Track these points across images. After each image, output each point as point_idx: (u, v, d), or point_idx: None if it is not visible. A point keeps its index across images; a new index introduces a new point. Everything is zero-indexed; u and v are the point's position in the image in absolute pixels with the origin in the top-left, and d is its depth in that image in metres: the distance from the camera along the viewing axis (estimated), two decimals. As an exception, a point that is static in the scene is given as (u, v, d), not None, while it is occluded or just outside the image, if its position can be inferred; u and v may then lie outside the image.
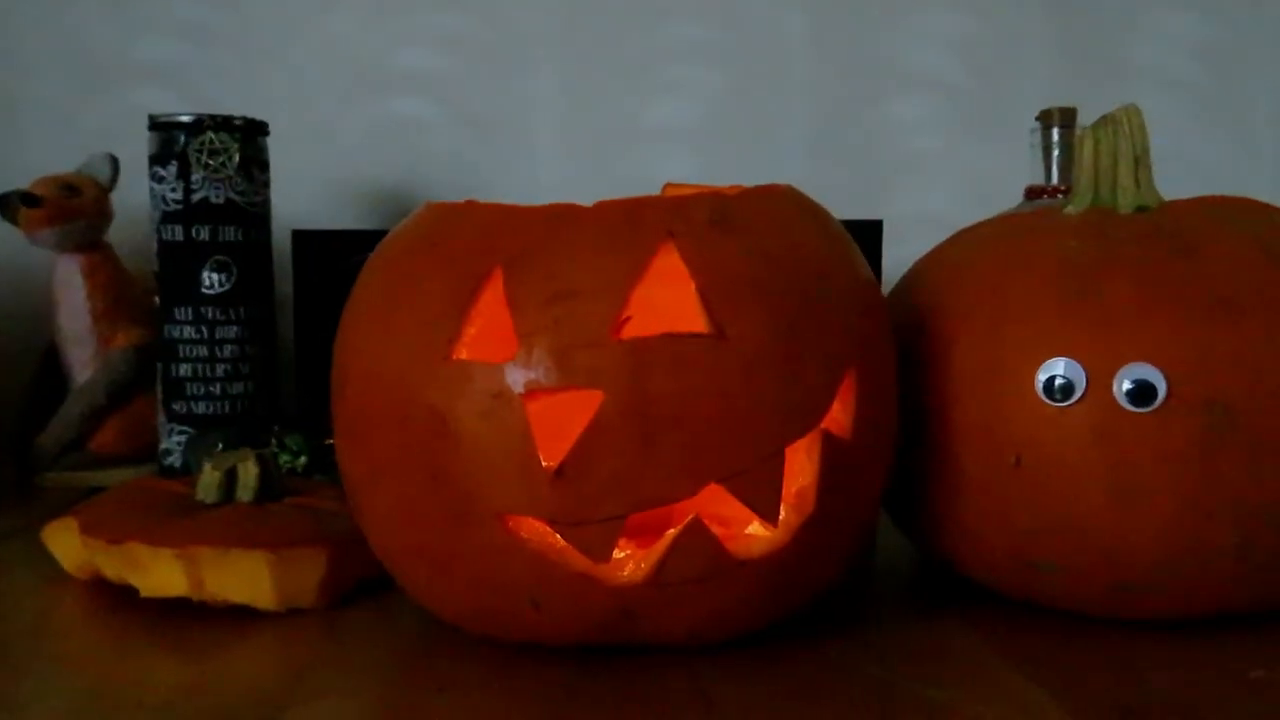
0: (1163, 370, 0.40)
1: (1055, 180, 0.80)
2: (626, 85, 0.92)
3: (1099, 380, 0.41)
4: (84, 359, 0.74)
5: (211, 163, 0.69)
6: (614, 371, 0.37)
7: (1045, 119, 0.81)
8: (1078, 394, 0.41)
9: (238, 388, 0.70)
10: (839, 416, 0.39)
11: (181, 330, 0.69)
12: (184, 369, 0.70)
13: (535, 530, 0.38)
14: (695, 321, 0.37)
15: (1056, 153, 0.80)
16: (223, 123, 0.69)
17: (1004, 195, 0.83)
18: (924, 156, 0.93)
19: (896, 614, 0.49)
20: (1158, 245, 0.44)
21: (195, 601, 0.47)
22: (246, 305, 0.70)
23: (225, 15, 0.90)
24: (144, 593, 0.47)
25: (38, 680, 0.41)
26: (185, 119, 0.69)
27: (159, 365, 0.71)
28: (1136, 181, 0.48)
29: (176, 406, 0.70)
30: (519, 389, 0.37)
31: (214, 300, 0.69)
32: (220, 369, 0.70)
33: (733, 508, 0.38)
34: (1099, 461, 0.41)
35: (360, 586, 0.50)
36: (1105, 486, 0.41)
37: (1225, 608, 0.43)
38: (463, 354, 0.38)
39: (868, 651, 0.43)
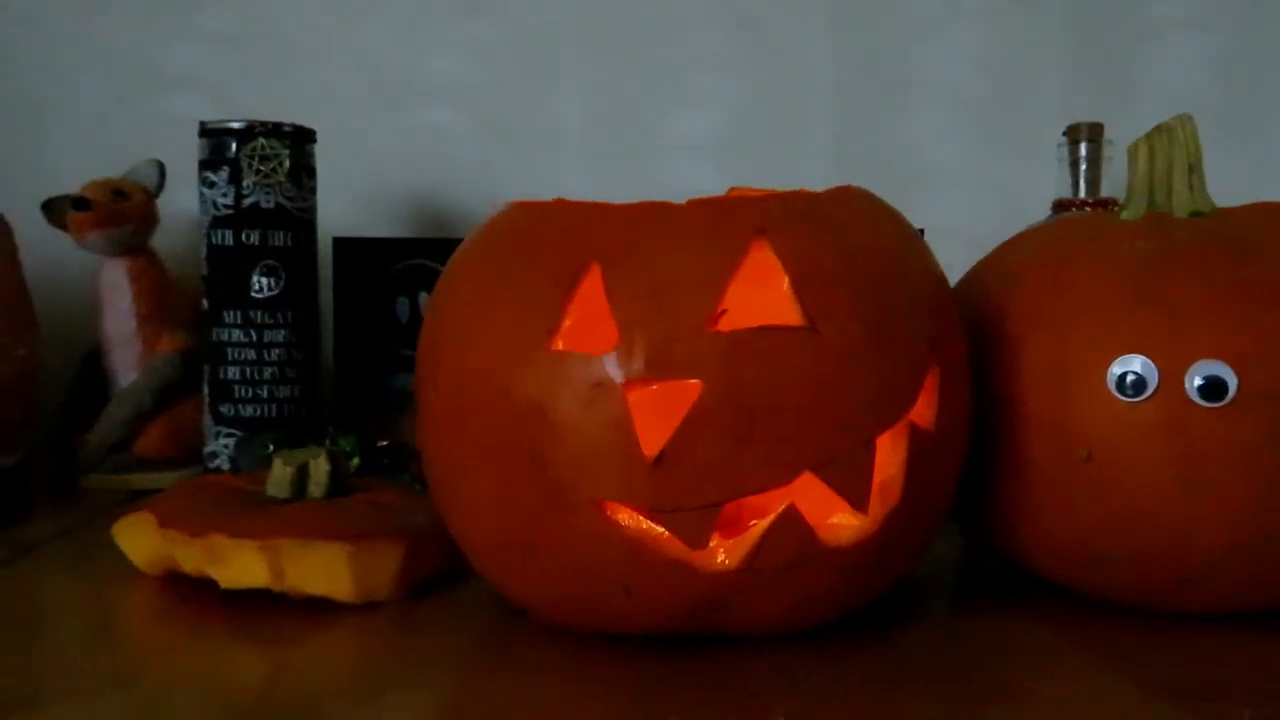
0: (1232, 366, 0.42)
1: (1083, 193, 0.82)
2: (651, 95, 0.93)
3: (1170, 376, 0.42)
4: (128, 362, 0.75)
5: (263, 169, 0.70)
6: (712, 362, 0.38)
7: (1072, 134, 0.83)
8: (1149, 390, 0.43)
9: (284, 391, 0.71)
10: (923, 410, 0.41)
11: (230, 333, 0.70)
12: (232, 372, 0.70)
13: (632, 517, 0.39)
14: (790, 315, 0.39)
15: (1084, 166, 0.82)
16: (273, 129, 0.70)
17: (1024, 208, 0.85)
18: (944, 168, 0.95)
19: (962, 606, 0.50)
20: (1217, 246, 0.45)
21: (275, 592, 0.47)
22: (294, 309, 0.71)
23: (257, 25, 0.91)
24: (224, 584, 0.47)
25: (114, 671, 0.41)
26: (236, 125, 0.70)
27: (206, 368, 0.71)
28: (1190, 188, 0.50)
29: (224, 409, 0.71)
30: (619, 379, 0.38)
31: (263, 304, 0.70)
32: (268, 372, 0.71)
33: (823, 496, 0.39)
34: (1169, 455, 0.43)
35: (433, 582, 0.51)
36: (1174, 479, 0.43)
37: (1282, 601, 0.45)
38: (561, 345, 0.39)
39: (942, 638, 0.44)
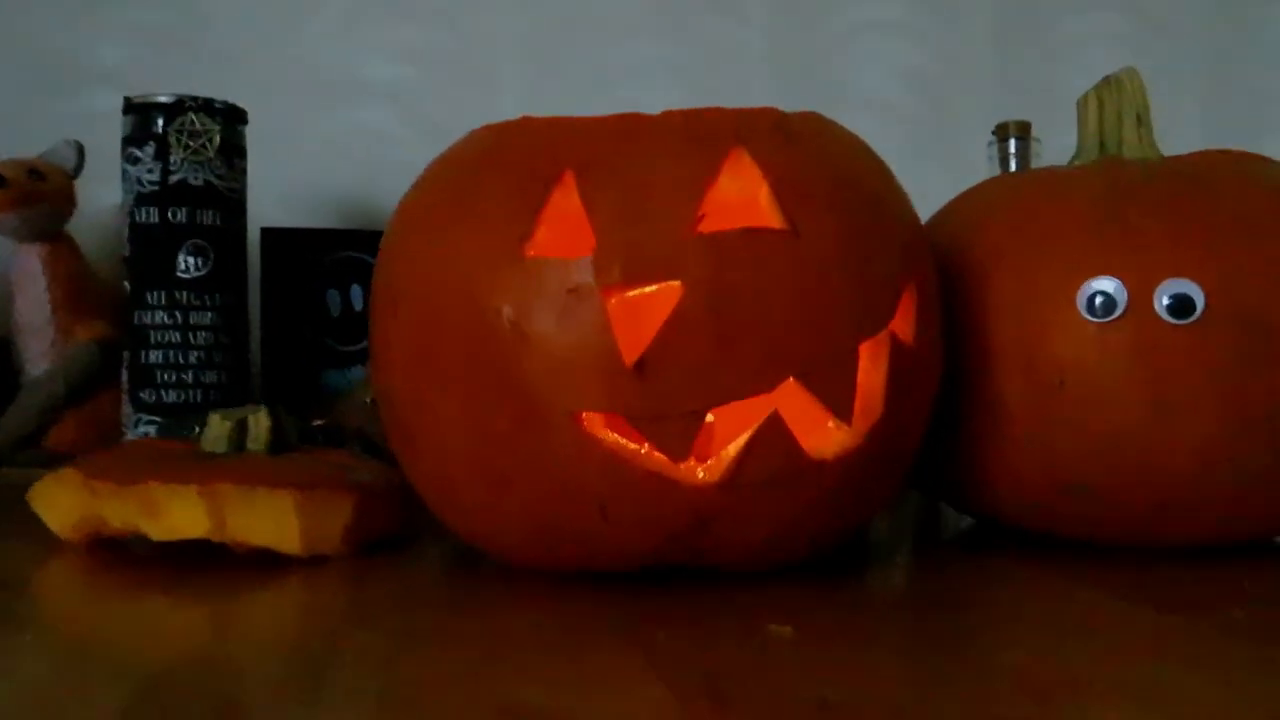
0: (1200, 284, 0.42)
1: (1015, 188, 0.83)
2: (587, 102, 0.93)
3: (1139, 296, 0.43)
4: (40, 351, 0.71)
5: (192, 144, 0.67)
6: (693, 264, 0.37)
7: (1001, 132, 0.85)
8: (1119, 310, 0.43)
9: (210, 377, 0.68)
10: (903, 324, 0.40)
11: (154, 315, 0.67)
12: (155, 356, 0.67)
13: (611, 428, 0.37)
14: (771, 219, 0.38)
15: (1014, 164, 0.84)
16: (204, 105, 0.67)
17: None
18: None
19: (938, 552, 0.49)
20: (1177, 180, 0.46)
21: (215, 546, 0.44)
22: (222, 292, 0.68)
23: (186, 21, 0.89)
24: (157, 535, 0.44)
25: (37, 638, 0.36)
26: (165, 99, 0.67)
27: (126, 354, 0.68)
28: (1139, 138, 0.51)
29: (145, 395, 0.67)
30: (597, 284, 0.36)
31: (189, 285, 0.67)
32: (193, 356, 0.67)
33: (807, 406, 0.38)
34: (1140, 377, 0.43)
35: (383, 541, 0.48)
36: (1146, 402, 0.43)
37: (1257, 532, 0.45)
38: (534, 252, 0.37)
39: (928, 574, 0.43)
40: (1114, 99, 0.51)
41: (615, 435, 0.37)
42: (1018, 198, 0.48)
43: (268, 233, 0.79)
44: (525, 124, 0.41)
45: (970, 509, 0.51)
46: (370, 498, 0.46)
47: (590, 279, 0.37)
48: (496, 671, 0.31)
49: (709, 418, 0.37)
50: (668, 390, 0.37)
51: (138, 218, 0.67)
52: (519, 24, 0.92)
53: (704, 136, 0.39)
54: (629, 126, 0.40)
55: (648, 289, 0.37)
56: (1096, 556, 0.45)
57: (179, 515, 0.43)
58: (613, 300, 0.37)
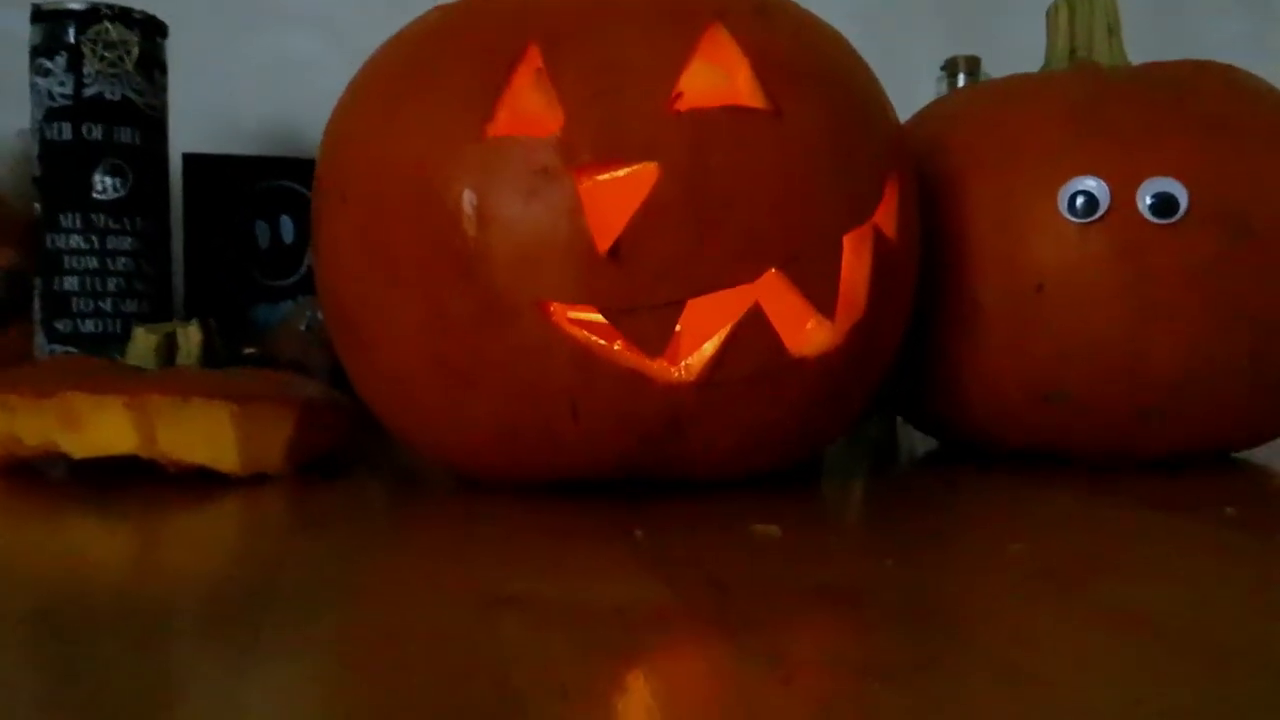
0: (1183, 183, 0.41)
1: (965, 122, 0.82)
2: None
3: (1122, 195, 0.41)
4: (-58, 280, 0.65)
5: (108, 55, 0.62)
6: (672, 143, 0.34)
7: (951, 67, 0.84)
8: (1101, 210, 0.41)
9: (131, 305, 0.63)
10: (886, 217, 0.38)
11: (68, 239, 0.62)
12: (70, 282, 0.62)
13: (582, 320, 0.34)
14: (753, 99, 0.35)
15: (964, 97, 0.83)
16: (121, 14, 0.63)
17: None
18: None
19: (912, 469, 0.48)
20: (1155, 83, 0.45)
21: (144, 461, 0.40)
22: (143, 216, 0.63)
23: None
24: (79, 452, 0.40)
25: None
26: (77, 6, 0.62)
27: (39, 281, 0.63)
28: (1110, 48, 0.49)
29: (60, 325, 0.62)
30: (567, 164, 0.34)
31: (106, 207, 0.62)
32: (112, 283, 0.62)
33: (789, 299, 0.36)
34: (1122, 277, 0.41)
35: (327, 461, 0.45)
36: (1128, 303, 0.41)
37: (1235, 439, 0.44)
38: (498, 132, 0.35)
39: (909, 486, 0.41)
40: (1085, 7, 0.50)
41: (586, 328, 0.35)
42: (993, 101, 0.46)
43: (191, 159, 0.74)
44: (484, 1, 0.38)
45: (939, 426, 0.50)
46: (313, 412, 0.43)
47: (559, 159, 0.34)
48: (473, 567, 0.28)
49: (687, 310, 0.35)
50: (643, 279, 0.34)
51: (48, 134, 0.62)
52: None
53: (679, 11, 0.36)
54: (598, 1, 0.37)
55: (621, 171, 0.34)
56: (1074, 470, 0.44)
57: (103, 429, 0.40)
58: (585, 183, 0.34)
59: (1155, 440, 0.43)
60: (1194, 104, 0.43)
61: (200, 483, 0.40)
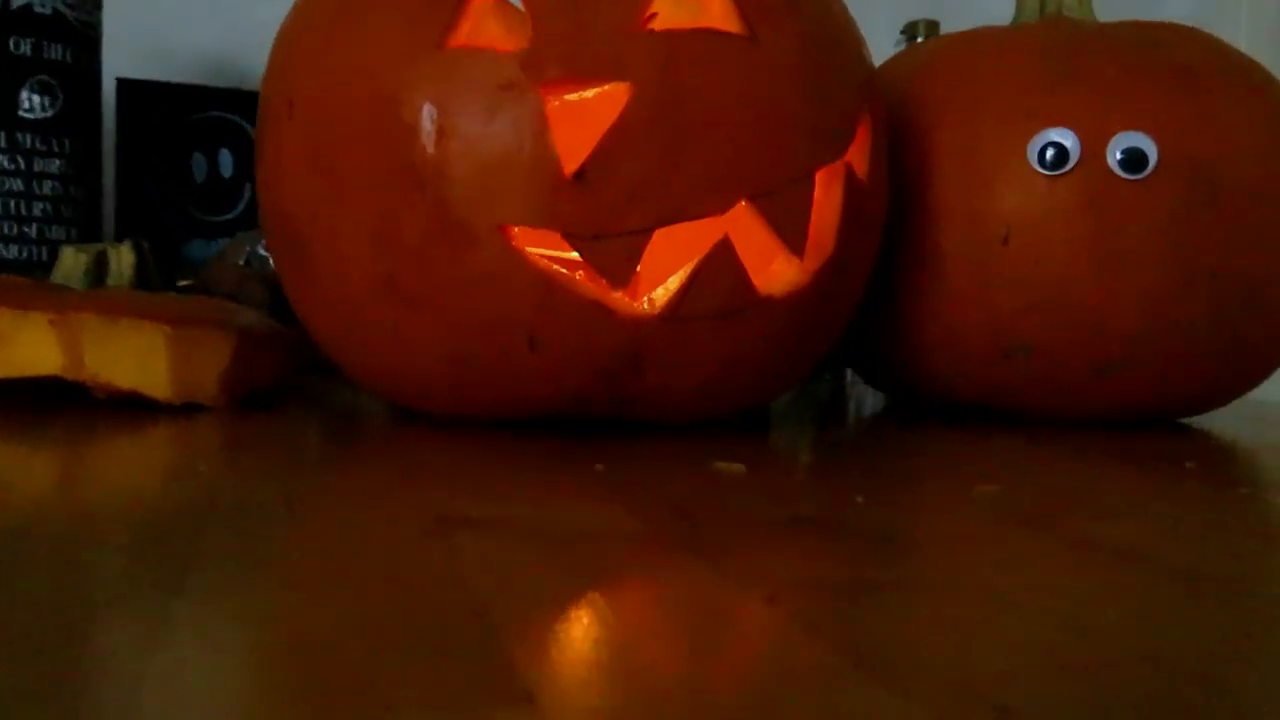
0: (1153, 137, 0.40)
1: (923, 85, 0.82)
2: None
3: (1092, 148, 0.41)
4: None
5: (38, -35, 0.59)
6: (644, 62, 0.33)
7: (910, 30, 0.83)
8: (1071, 163, 0.41)
9: (58, 232, 0.60)
10: (858, 156, 0.37)
11: (-9, 159, 0.59)
12: (-8, 205, 0.59)
13: (545, 245, 0.33)
14: (728, 23, 0.34)
15: (922, 61, 0.82)
16: (52, -79, 0.59)
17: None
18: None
19: (870, 424, 0.47)
20: (1126, 36, 0.44)
21: (71, 383, 0.38)
22: (71, 138, 0.60)
23: None
24: (0, 372, 0.38)
25: None
26: (5, -88, 0.58)
27: (-42, 202, 0.59)
28: (1079, 3, 0.49)
29: (-20, 250, 0.59)
30: (534, 80, 0.32)
31: (33, 127, 0.59)
32: (38, 208, 0.59)
33: (759, 236, 0.35)
34: (1087, 230, 0.41)
35: (265, 394, 0.43)
36: (1092, 256, 0.41)
37: (1191, 401, 0.44)
38: (462, 41, 0.33)
39: (866, 439, 0.41)
40: (1055, -38, 0.49)
41: (549, 253, 0.33)
42: (962, 51, 0.46)
43: (125, 84, 0.71)
44: (449, -93, 0.36)
45: (893, 378, 0.49)
46: (252, 341, 0.41)
47: (525, 74, 0.32)
48: (424, 492, 0.27)
49: (653, 241, 0.33)
50: (610, 205, 0.33)
51: (-29, 46, 0.58)
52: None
53: (655, -72, 0.35)
54: (570, -87, 0.35)
55: (590, 91, 0.32)
56: (1030, 425, 0.44)
57: (27, 347, 0.37)
58: (551, 101, 0.32)
59: (1111, 398, 0.43)
60: (1165, 60, 0.43)
61: (129, 410, 0.38)
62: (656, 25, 0.33)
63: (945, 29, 0.82)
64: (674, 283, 0.34)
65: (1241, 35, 1.03)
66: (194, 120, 0.72)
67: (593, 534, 0.23)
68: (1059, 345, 0.42)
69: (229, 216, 0.73)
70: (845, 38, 0.38)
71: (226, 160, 0.73)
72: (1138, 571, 0.21)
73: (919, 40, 0.82)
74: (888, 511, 0.27)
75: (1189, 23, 0.48)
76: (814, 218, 0.36)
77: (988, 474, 0.33)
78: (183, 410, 0.39)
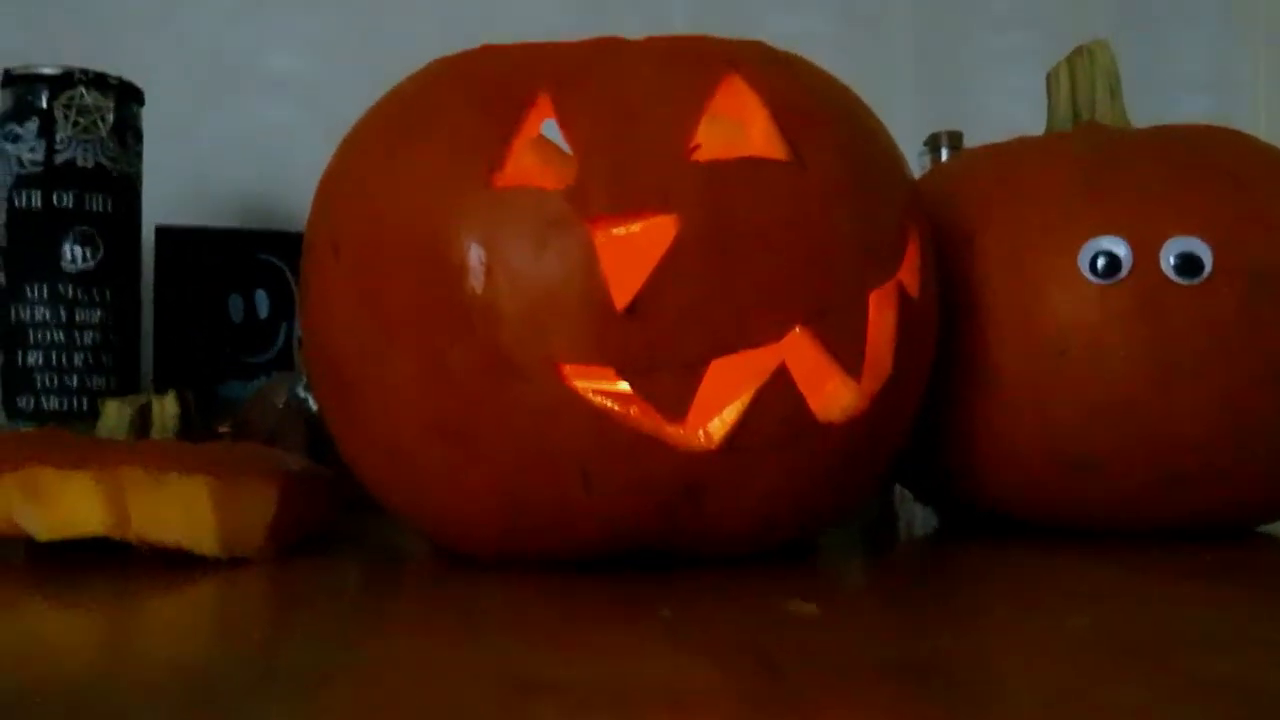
0: (1206, 241, 0.40)
1: (950, 195, 0.82)
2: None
3: (1144, 254, 0.40)
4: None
5: (81, 121, 0.60)
6: (691, 194, 0.32)
7: (933, 142, 0.84)
8: (1124, 271, 0.40)
9: (98, 381, 0.60)
10: (909, 274, 0.36)
11: (34, 311, 0.59)
12: (34, 357, 0.59)
13: (597, 380, 0.32)
14: (773, 149, 0.34)
15: (948, 171, 0.82)
16: (96, 79, 0.61)
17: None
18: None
19: (926, 545, 0.45)
20: (1167, 140, 0.44)
21: (116, 541, 0.37)
22: (112, 288, 0.61)
23: (71, 5, 0.81)
24: (44, 534, 0.37)
25: None
26: (51, 71, 0.60)
27: (0, 355, 0.60)
28: (1112, 109, 0.49)
29: (22, 402, 0.59)
30: (582, 215, 0.32)
31: (75, 278, 0.60)
32: (79, 358, 0.60)
33: (815, 359, 0.34)
34: (1147, 338, 0.40)
35: (311, 540, 0.42)
36: (1153, 364, 0.40)
37: (1271, 503, 0.42)
38: (507, 182, 0.33)
39: (923, 565, 0.39)
40: (1086, 69, 0.49)
41: (603, 389, 0.32)
42: (1004, 161, 0.45)
43: (164, 231, 0.72)
44: (490, 49, 0.37)
45: (948, 497, 0.48)
46: (297, 486, 0.40)
47: (573, 210, 0.32)
48: (488, 648, 0.25)
49: (709, 372, 0.33)
50: (664, 338, 0.32)
51: (17, 202, 0.60)
52: (429, 13, 0.87)
53: (694, 60, 0.35)
54: (610, 48, 0.35)
55: (637, 224, 0.32)
56: (1096, 541, 0.42)
57: (71, 506, 0.37)
58: (600, 235, 0.32)
59: (1184, 509, 0.42)
60: (1209, 162, 0.42)
61: (173, 566, 0.37)
62: (701, 156, 0.33)
63: (968, 141, 0.83)
64: (731, 414, 0.33)
65: (1261, 132, 1.04)
66: (231, 262, 0.73)
67: (677, 691, 0.21)
68: (1127, 457, 0.40)
69: (266, 356, 0.73)
70: (888, 156, 0.38)
71: (263, 301, 0.73)
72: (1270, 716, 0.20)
73: (942, 152, 0.83)
74: (978, 652, 0.25)
75: (1208, 121, 0.48)
76: (870, 339, 0.35)
77: (1072, 602, 0.31)
78: (227, 562, 0.38)
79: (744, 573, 0.36)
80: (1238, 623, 0.28)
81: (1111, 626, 0.27)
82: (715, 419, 0.33)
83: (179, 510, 0.37)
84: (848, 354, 0.34)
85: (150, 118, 0.65)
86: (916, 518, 0.55)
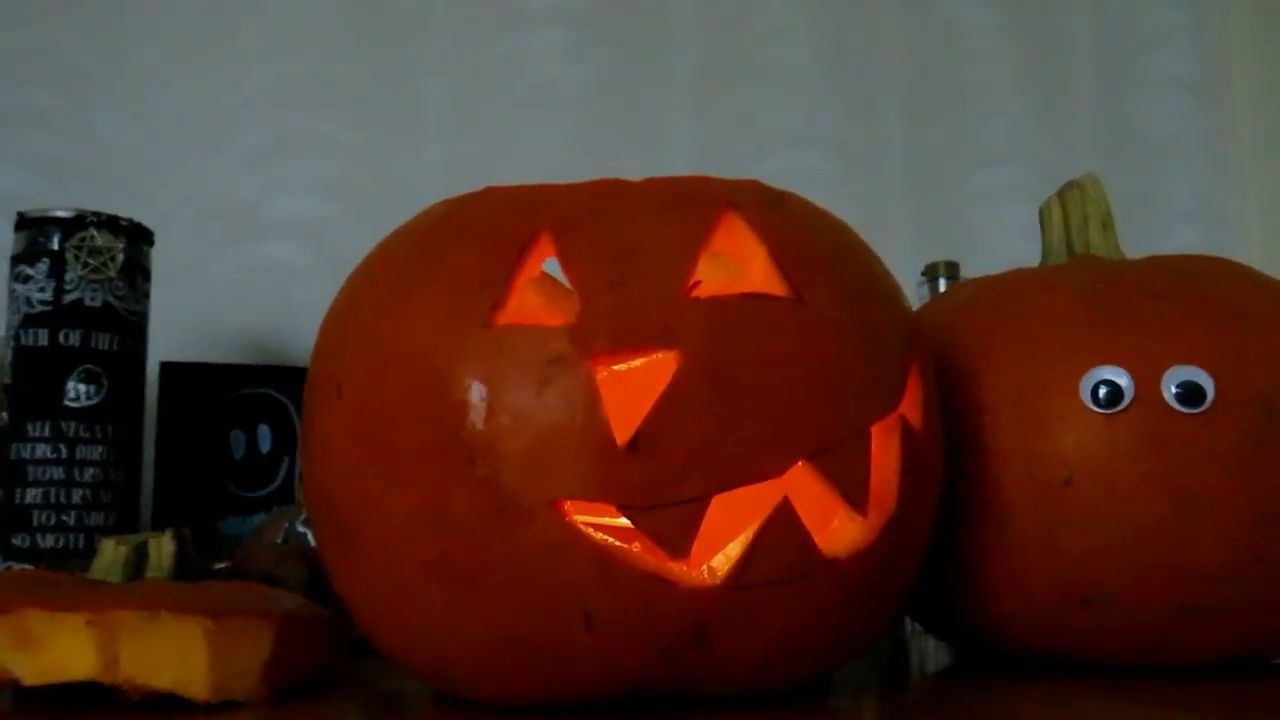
0: (1208, 371, 0.40)
1: (950, 325, 0.82)
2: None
3: (1146, 384, 0.40)
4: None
5: (92, 262, 0.61)
6: (691, 331, 0.33)
7: (930, 271, 0.85)
8: (1126, 400, 0.40)
9: (96, 518, 0.60)
10: (912, 406, 0.36)
11: (34, 449, 0.59)
12: (33, 494, 0.59)
13: (599, 519, 0.32)
14: (772, 286, 0.34)
15: (946, 301, 0.83)
16: (107, 221, 0.62)
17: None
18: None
19: (938, 683, 0.44)
20: (1163, 272, 0.44)
21: (106, 686, 0.36)
22: (115, 424, 0.61)
23: (86, 147, 0.83)
24: (32, 678, 0.36)
25: None
26: (63, 214, 0.61)
27: (-1, 493, 0.59)
28: (1105, 241, 0.50)
29: (17, 540, 0.58)
30: (582, 353, 0.32)
31: (78, 414, 0.60)
32: (78, 495, 0.59)
33: (819, 494, 0.34)
34: (1153, 468, 0.40)
35: (305, 683, 0.41)
36: (1161, 495, 0.39)
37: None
38: (508, 320, 0.33)
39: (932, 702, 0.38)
40: (1078, 204, 0.50)
41: (607, 524, 0.32)
42: (1002, 293, 0.46)
43: (168, 367, 0.72)
44: (492, 191, 0.38)
45: (959, 631, 0.47)
46: (293, 629, 0.39)
47: (574, 347, 0.32)
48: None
49: (711, 507, 0.32)
50: (665, 473, 0.32)
51: (23, 340, 0.60)
52: (433, 155, 0.89)
53: (693, 200, 0.36)
54: (610, 190, 0.36)
55: (638, 360, 0.32)
56: (1109, 676, 0.41)
57: (61, 651, 0.36)
58: (601, 372, 0.32)
59: (1200, 642, 0.41)
60: (1205, 291, 0.43)
61: (165, 709, 0.36)
62: (701, 293, 0.33)
63: (965, 271, 0.84)
64: (735, 549, 0.33)
65: (1255, 262, 1.05)
66: (234, 397, 0.73)
67: None
68: (1139, 590, 0.40)
69: (266, 491, 0.72)
70: (886, 289, 0.38)
71: (264, 435, 0.73)
72: None
73: (940, 281, 0.84)
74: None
75: (1200, 252, 0.48)
76: (874, 473, 0.35)
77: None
78: (219, 707, 0.37)
79: (748, 710, 0.34)
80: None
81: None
82: (719, 555, 0.33)
83: (172, 653, 0.36)
84: (852, 488, 0.34)
85: (160, 258, 0.66)
86: (929, 652, 0.54)
